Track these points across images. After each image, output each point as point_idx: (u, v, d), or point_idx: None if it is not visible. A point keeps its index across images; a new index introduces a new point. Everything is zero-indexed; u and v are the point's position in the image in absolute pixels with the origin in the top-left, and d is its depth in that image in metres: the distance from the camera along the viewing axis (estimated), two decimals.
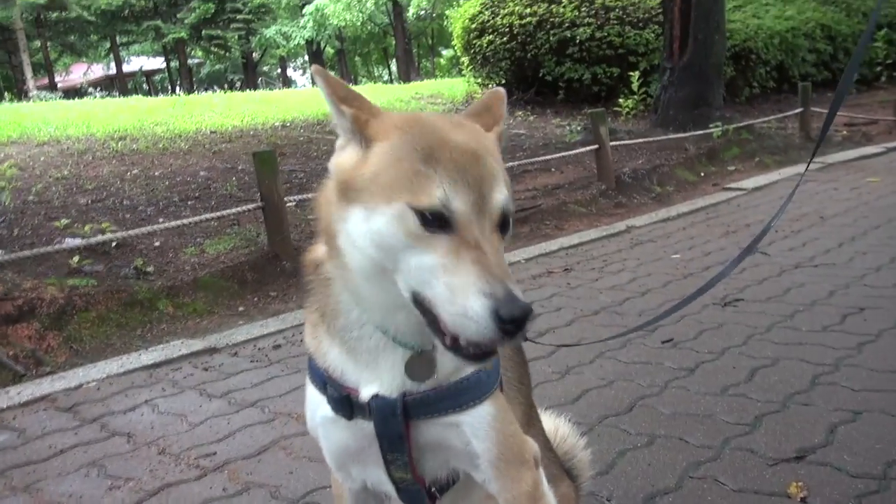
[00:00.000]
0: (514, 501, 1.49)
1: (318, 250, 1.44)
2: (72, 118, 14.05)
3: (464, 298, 1.17)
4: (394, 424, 1.41)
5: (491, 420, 1.45)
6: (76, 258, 5.26)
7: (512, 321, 1.14)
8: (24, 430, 3.31)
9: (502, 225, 1.29)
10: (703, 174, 9.40)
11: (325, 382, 1.46)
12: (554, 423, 2.08)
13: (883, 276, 4.57)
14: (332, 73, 1.42)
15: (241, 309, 5.08)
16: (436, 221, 1.22)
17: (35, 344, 4.27)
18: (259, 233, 6.10)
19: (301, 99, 16.66)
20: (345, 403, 1.44)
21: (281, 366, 3.89)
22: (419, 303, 1.25)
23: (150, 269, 5.39)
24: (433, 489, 1.54)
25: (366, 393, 1.42)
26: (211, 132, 12.69)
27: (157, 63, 53.43)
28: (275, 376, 3.74)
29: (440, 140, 1.29)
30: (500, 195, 1.28)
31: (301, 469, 2.77)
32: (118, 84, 44.63)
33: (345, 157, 1.37)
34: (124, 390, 3.70)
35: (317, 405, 1.51)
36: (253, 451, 2.95)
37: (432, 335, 1.26)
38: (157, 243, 6.04)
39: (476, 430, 1.44)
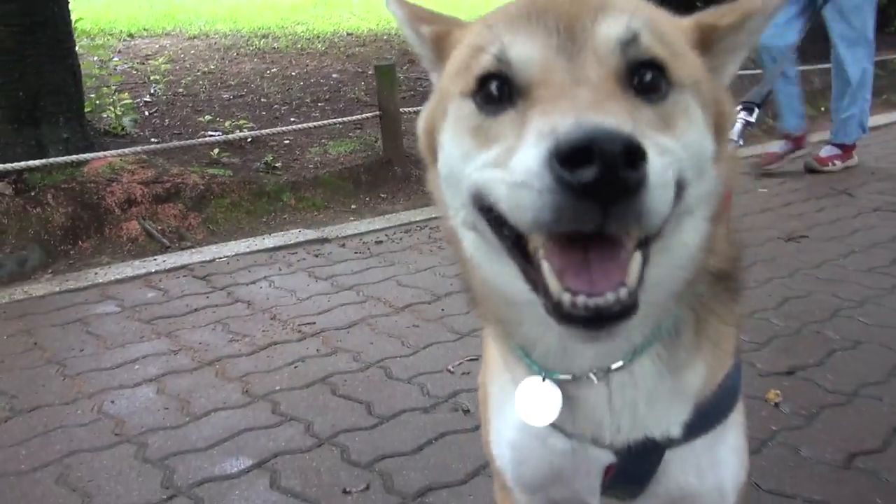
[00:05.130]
0: None
1: None
2: (220, 13, 14.93)
3: (515, 163, 0.80)
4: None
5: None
6: (216, 150, 6.02)
7: (575, 157, 0.72)
8: (167, 290, 4.07)
9: (639, 77, 0.89)
10: (823, 109, 9.32)
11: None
12: None
13: None
14: None
15: (353, 206, 5.73)
16: (499, 94, 0.90)
17: (179, 222, 5.05)
18: (377, 139, 6.70)
19: (443, 2, 16.91)
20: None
21: (379, 258, 4.52)
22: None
23: (279, 164, 6.10)
24: None
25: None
26: (347, 34, 13.29)
27: None
28: (372, 267, 4.37)
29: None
30: (615, 26, 0.88)
31: (380, 341, 3.40)
32: None
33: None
34: (248, 266, 4.42)
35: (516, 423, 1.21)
36: (344, 324, 3.60)
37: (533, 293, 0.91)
38: (286, 141, 6.75)
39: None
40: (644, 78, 0.89)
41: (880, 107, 9.60)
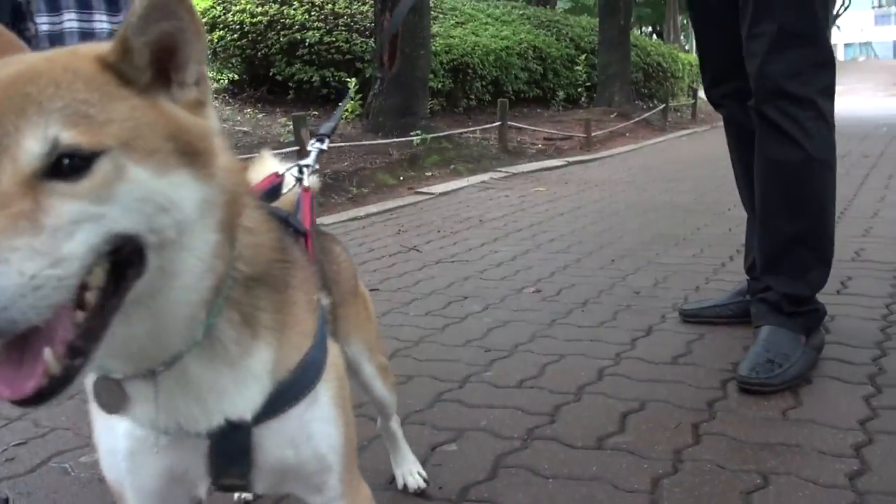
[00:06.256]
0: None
1: None
2: None
3: None
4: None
5: None
6: None
7: None
8: None
9: (60, 167, 0.95)
10: (402, 178, 10.17)
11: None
12: None
13: (502, 269, 5.40)
14: None
15: None
16: None
17: None
18: None
19: None
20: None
21: None
22: None
23: None
24: None
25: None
26: None
27: None
28: None
29: None
30: (30, 138, 0.94)
31: None
32: None
33: None
34: None
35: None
36: None
37: None
38: None
39: None
40: (63, 165, 0.95)
41: (449, 175, 10.71)
